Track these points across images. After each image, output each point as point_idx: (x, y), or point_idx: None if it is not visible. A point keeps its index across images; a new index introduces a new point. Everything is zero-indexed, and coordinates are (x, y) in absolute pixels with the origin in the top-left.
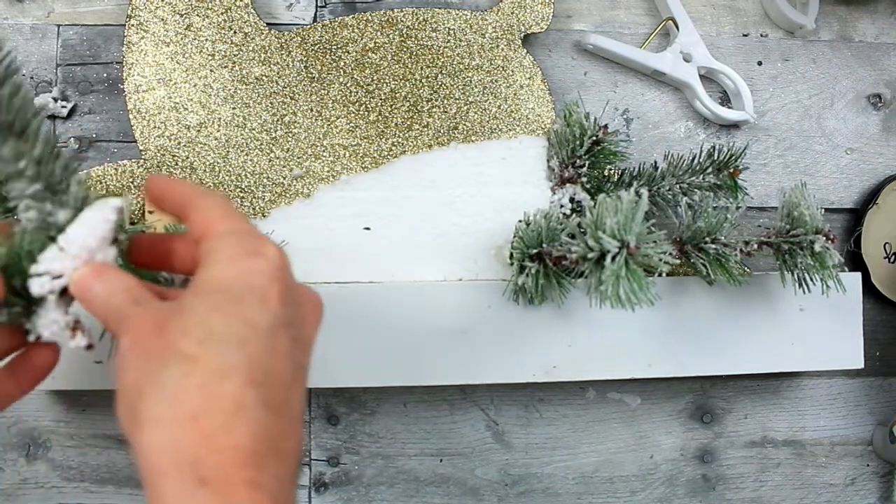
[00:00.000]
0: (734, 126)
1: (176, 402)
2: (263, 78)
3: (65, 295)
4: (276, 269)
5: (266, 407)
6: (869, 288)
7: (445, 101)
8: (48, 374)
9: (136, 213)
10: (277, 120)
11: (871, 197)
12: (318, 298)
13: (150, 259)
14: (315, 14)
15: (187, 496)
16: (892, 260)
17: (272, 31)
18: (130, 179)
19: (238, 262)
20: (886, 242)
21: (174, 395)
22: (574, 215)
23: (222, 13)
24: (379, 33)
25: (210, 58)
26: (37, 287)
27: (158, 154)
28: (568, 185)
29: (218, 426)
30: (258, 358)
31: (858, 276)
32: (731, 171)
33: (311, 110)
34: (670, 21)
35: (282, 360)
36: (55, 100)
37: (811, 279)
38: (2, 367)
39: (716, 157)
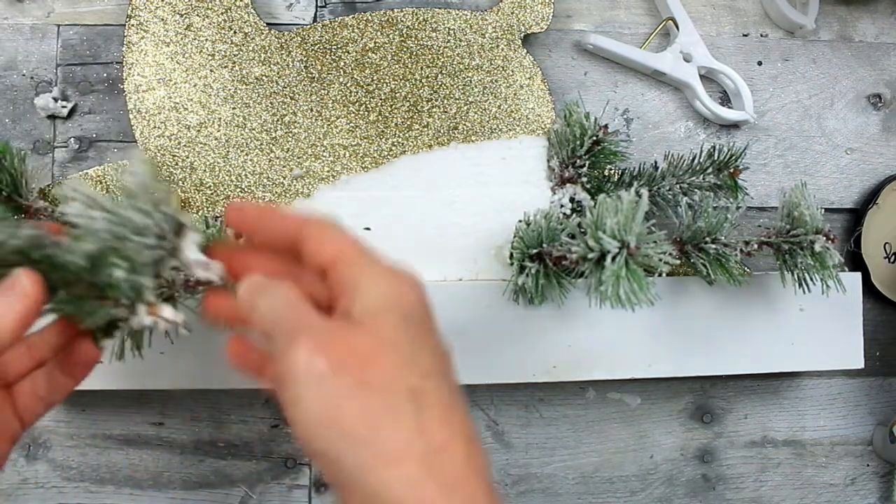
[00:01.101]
0: (734, 126)
1: (425, 436)
2: (263, 78)
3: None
4: (422, 288)
5: (467, 415)
6: (869, 288)
7: (445, 101)
8: (92, 369)
9: None
10: (277, 120)
11: (871, 197)
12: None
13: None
14: (315, 14)
15: None
16: (892, 260)
17: (272, 31)
18: None
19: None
20: (886, 242)
21: (422, 429)
22: (574, 215)
23: (222, 13)
24: (379, 33)
25: (210, 58)
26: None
27: (158, 154)
28: (568, 185)
29: (468, 453)
30: (451, 381)
31: (858, 276)
32: (731, 171)
33: (311, 110)
34: (670, 21)
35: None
36: (55, 100)
37: (811, 279)
38: (53, 363)
39: (716, 157)
